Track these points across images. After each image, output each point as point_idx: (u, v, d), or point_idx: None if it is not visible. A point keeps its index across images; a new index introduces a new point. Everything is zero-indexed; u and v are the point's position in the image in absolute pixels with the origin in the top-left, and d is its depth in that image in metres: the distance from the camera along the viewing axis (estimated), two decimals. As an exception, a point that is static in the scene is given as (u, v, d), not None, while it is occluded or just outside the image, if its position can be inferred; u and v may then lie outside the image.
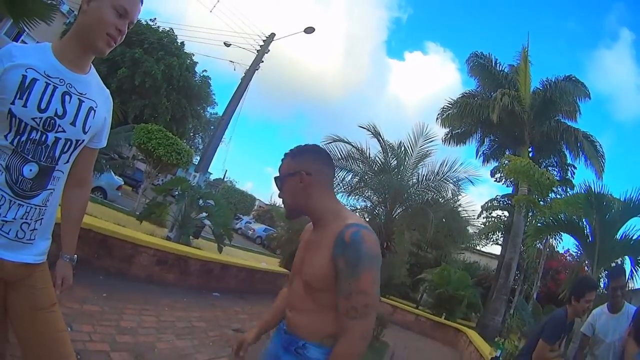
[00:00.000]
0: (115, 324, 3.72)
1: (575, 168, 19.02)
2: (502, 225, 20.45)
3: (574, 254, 19.44)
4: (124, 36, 1.52)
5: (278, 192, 1.64)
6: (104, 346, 3.17)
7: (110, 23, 1.44)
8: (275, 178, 1.63)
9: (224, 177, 41.71)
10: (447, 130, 20.45)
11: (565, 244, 27.26)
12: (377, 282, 1.40)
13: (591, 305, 3.33)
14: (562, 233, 9.68)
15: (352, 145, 7.15)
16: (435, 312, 15.15)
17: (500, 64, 19.12)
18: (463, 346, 10.44)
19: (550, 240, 14.43)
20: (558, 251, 20.31)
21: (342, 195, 7.40)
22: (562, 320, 3.27)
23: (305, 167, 1.56)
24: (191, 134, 34.36)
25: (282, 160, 1.64)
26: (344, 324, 1.37)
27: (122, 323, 3.82)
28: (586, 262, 7.87)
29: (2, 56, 1.37)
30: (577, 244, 8.71)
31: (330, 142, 7.08)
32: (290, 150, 1.66)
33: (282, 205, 1.76)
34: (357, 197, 7.56)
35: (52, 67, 1.42)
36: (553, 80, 17.57)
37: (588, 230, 7.63)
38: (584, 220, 7.65)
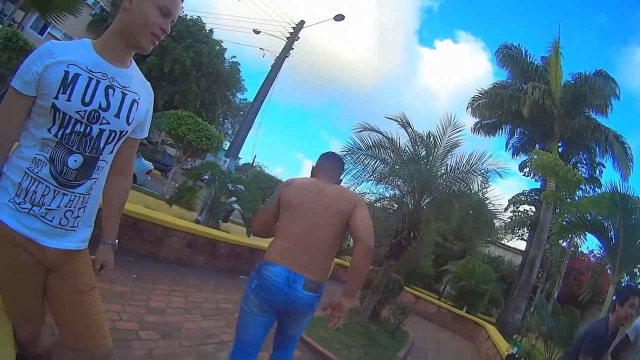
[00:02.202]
0: (144, 304, 3.84)
1: (604, 167, 18.65)
2: (528, 221, 20.11)
3: (598, 255, 19.10)
4: (166, 34, 1.56)
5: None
6: (133, 325, 3.28)
7: (155, 23, 1.48)
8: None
9: (253, 162, 42.00)
10: (477, 120, 20.19)
11: (590, 244, 26.53)
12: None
13: (634, 312, 3.22)
14: (586, 233, 9.46)
15: (382, 134, 7.08)
16: (456, 304, 15.08)
17: (530, 55, 18.67)
18: (481, 341, 10.37)
19: (575, 239, 14.12)
20: (582, 251, 19.95)
21: (372, 183, 7.37)
22: (604, 331, 3.19)
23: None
24: (221, 120, 34.65)
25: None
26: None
27: (151, 303, 3.94)
28: (608, 265, 7.67)
29: (42, 54, 1.41)
30: (601, 245, 8.49)
31: (361, 131, 7.03)
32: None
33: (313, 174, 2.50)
34: (386, 185, 7.50)
35: (94, 63, 1.46)
36: (584, 73, 17.09)
37: (612, 233, 7.42)
38: (609, 221, 7.44)
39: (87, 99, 1.43)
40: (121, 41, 1.52)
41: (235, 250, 6.97)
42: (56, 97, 1.38)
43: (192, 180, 10.24)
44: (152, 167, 16.13)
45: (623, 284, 7.62)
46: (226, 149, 17.07)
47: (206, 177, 9.99)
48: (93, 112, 1.45)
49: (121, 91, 1.52)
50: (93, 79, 1.45)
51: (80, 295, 1.61)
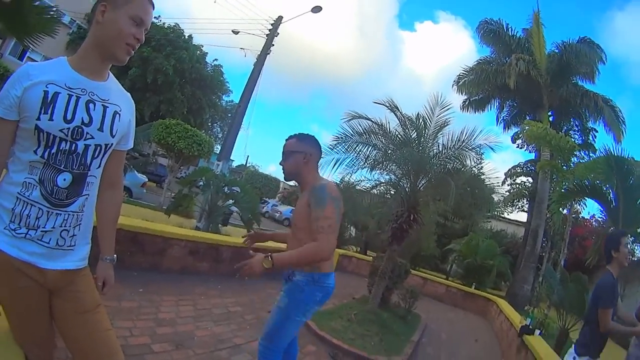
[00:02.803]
0: (153, 316, 3.83)
1: (596, 132, 18.82)
2: (526, 192, 20.30)
3: (599, 219, 19.28)
4: (141, 43, 1.56)
5: (281, 160, 2.35)
6: (145, 339, 3.27)
7: (129, 33, 1.48)
8: (283, 151, 2.34)
9: (246, 163, 42.00)
10: (465, 97, 20.24)
11: (590, 209, 26.83)
12: (336, 213, 2.11)
13: (630, 250, 3.26)
14: (586, 198, 9.50)
15: (371, 120, 7.06)
16: (465, 282, 15.14)
17: (512, 29, 18.81)
18: (493, 316, 10.41)
19: (575, 206, 14.19)
20: (583, 217, 20.13)
21: (366, 170, 7.36)
22: (614, 283, 3.20)
23: (308, 149, 2.35)
24: (209, 124, 34.55)
25: (289, 138, 2.39)
26: (314, 237, 2.03)
27: (160, 315, 3.93)
28: (611, 228, 7.71)
29: (20, 77, 1.41)
30: (602, 209, 8.51)
31: (351, 119, 7.01)
32: (297, 134, 2.42)
33: (284, 174, 2.39)
34: (381, 170, 7.49)
35: (72, 79, 1.46)
36: (568, 42, 17.24)
37: (612, 196, 7.45)
38: (607, 185, 7.47)
39: (69, 116, 1.42)
40: (97, 55, 1.51)
41: (238, 252, 6.93)
42: (38, 118, 1.38)
43: (187, 188, 10.22)
44: (147, 180, 16.01)
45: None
46: (218, 152, 17.01)
47: (201, 183, 9.96)
48: (76, 128, 1.44)
49: (102, 104, 1.52)
50: (73, 95, 1.44)
51: (86, 314, 1.60)
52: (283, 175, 2.42)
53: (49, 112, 1.38)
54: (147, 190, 16.13)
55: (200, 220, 9.98)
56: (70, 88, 1.44)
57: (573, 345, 3.29)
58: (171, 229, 6.26)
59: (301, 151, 2.32)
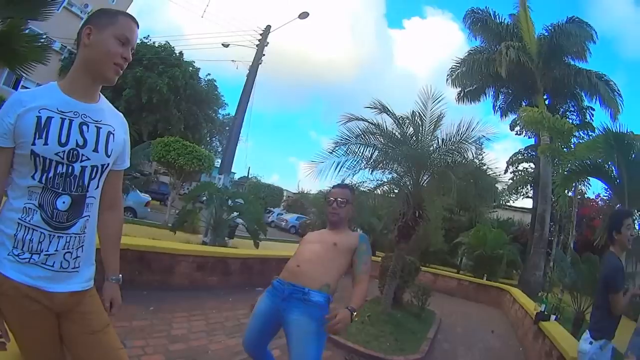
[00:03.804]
0: (166, 334, 3.82)
1: (593, 110, 18.68)
2: (530, 178, 20.22)
3: (605, 197, 19.17)
4: (129, 62, 1.58)
5: (339, 206, 2.62)
6: (158, 357, 3.26)
7: (116, 53, 1.51)
8: (343, 200, 2.63)
9: (248, 174, 41.99)
10: (459, 89, 20.15)
11: (595, 188, 26.77)
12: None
13: (632, 231, 3.22)
14: (589, 178, 9.43)
15: (367, 121, 7.05)
16: (476, 274, 15.06)
17: (499, 16, 18.76)
18: (508, 305, 10.37)
19: (580, 186, 14.10)
20: (589, 197, 19.98)
21: (368, 171, 7.33)
22: (619, 265, 3.17)
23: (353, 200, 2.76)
24: (208, 139, 34.57)
25: (343, 188, 2.80)
26: (360, 277, 2.41)
27: (173, 332, 3.92)
28: (618, 205, 7.65)
29: (13, 104, 1.43)
30: (606, 187, 8.44)
31: (347, 121, 7.01)
32: (349, 186, 2.95)
33: (333, 214, 2.63)
34: (382, 170, 7.47)
35: (64, 103, 1.47)
36: (557, 23, 17.21)
37: (615, 172, 7.40)
38: (609, 162, 7.41)
39: (63, 139, 1.43)
40: (86, 77, 1.53)
41: (246, 263, 6.95)
42: (33, 143, 1.39)
43: (191, 203, 10.23)
44: (150, 199, 15.98)
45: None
46: (218, 166, 17.03)
47: (204, 197, 9.96)
48: (71, 151, 1.45)
49: (95, 126, 1.53)
50: (65, 118, 1.46)
51: (96, 335, 1.59)
52: (332, 219, 2.64)
53: (44, 136, 1.40)
54: (151, 209, 16.12)
55: (206, 235, 9.98)
56: (63, 112, 1.46)
57: (587, 331, 3.25)
58: (177, 245, 6.27)
59: (352, 202, 2.69)
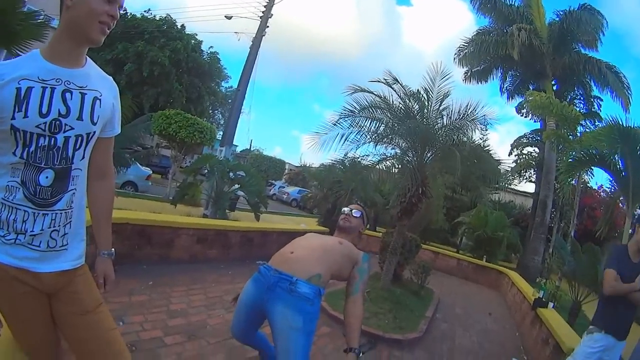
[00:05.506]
0: (165, 309, 3.80)
1: (601, 100, 18.39)
2: (533, 162, 20.07)
3: (607, 189, 19.21)
4: (116, 20, 1.47)
5: (353, 216, 2.73)
6: (157, 333, 3.24)
7: (101, 11, 1.40)
8: (358, 212, 2.76)
9: (250, 147, 41.90)
10: (467, 69, 19.82)
11: (598, 179, 26.61)
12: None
13: None
14: (594, 168, 9.33)
15: (374, 94, 6.92)
16: (475, 255, 15.08)
17: (509, -3, 18.18)
18: (506, 288, 10.38)
19: (583, 175, 13.99)
20: (591, 187, 19.91)
21: (372, 145, 7.24)
22: (622, 250, 3.13)
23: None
24: (210, 112, 34.32)
25: (361, 206, 2.87)
26: (356, 297, 2.34)
27: (172, 307, 3.90)
28: (621, 197, 7.58)
29: None
30: (611, 179, 8.34)
31: (353, 92, 6.87)
32: (364, 207, 2.98)
33: (345, 220, 2.73)
34: (386, 145, 7.37)
35: (45, 70, 1.39)
36: (568, 10, 16.79)
37: (621, 165, 7.30)
38: (616, 154, 7.31)
39: (44, 110, 1.35)
40: (70, 40, 1.42)
41: (247, 236, 6.94)
42: (13, 117, 1.31)
43: (192, 176, 10.19)
44: (151, 172, 15.94)
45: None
46: (220, 139, 16.94)
47: (206, 170, 9.90)
48: (53, 121, 1.37)
49: (79, 92, 1.44)
50: (47, 87, 1.37)
51: (88, 315, 1.55)
52: (343, 224, 2.71)
53: (23, 109, 1.32)
54: (153, 182, 16.09)
55: (207, 208, 9.98)
56: (44, 80, 1.37)
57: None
58: (177, 218, 6.24)
59: (364, 222, 2.82)
